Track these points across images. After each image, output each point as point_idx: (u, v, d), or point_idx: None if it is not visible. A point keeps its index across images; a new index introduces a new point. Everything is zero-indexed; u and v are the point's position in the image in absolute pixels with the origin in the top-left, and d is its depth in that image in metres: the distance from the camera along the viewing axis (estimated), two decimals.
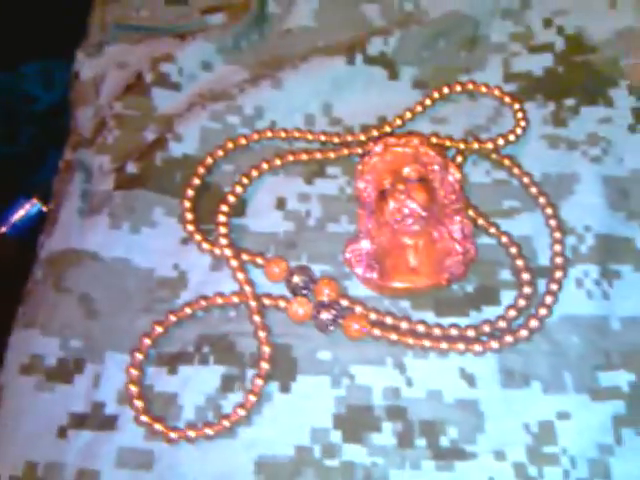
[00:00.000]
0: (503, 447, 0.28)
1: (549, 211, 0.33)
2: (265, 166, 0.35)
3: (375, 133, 0.36)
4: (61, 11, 0.74)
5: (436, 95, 0.37)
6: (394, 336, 0.30)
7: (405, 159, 0.33)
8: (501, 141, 0.35)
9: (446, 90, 0.37)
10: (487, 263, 0.32)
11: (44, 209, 0.72)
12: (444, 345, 0.30)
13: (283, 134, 0.37)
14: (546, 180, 0.34)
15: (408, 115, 0.36)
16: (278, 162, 0.35)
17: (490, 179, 0.35)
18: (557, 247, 0.32)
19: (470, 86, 0.37)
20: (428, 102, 0.37)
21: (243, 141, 0.36)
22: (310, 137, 0.36)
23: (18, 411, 0.31)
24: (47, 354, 0.31)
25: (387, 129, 0.36)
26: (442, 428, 0.29)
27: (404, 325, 0.30)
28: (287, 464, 0.28)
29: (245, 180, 0.35)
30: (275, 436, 0.29)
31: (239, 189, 0.35)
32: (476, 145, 0.35)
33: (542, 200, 0.33)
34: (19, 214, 0.72)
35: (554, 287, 0.31)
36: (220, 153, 0.36)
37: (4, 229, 0.71)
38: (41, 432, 0.30)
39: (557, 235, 0.32)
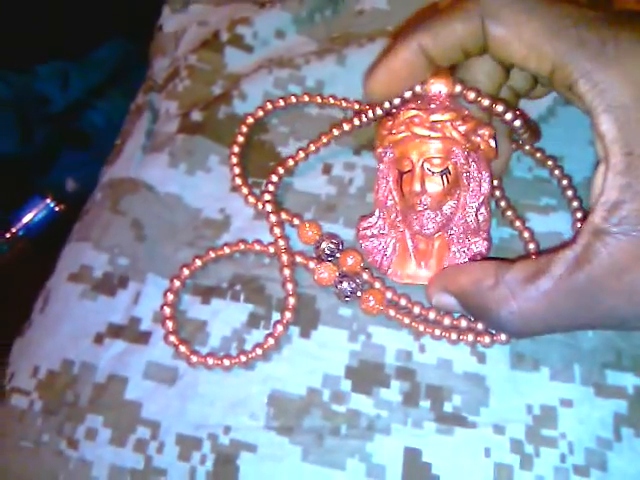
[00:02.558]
0: (503, 423, 0.29)
1: (579, 215, 0.33)
2: (325, 139, 0.36)
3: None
4: (75, 12, 0.76)
5: None
6: (407, 320, 0.31)
7: (431, 140, 0.30)
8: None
9: None
10: (512, 253, 0.33)
11: (57, 209, 0.74)
12: (454, 336, 0.30)
13: (319, 99, 0.38)
14: (587, 183, 0.35)
15: None
16: (324, 140, 0.36)
17: (531, 175, 0.36)
18: None
19: None
20: None
21: (281, 103, 0.38)
22: (345, 104, 0.38)
23: (61, 314, 0.33)
24: (96, 267, 0.34)
25: None
26: (448, 395, 0.30)
27: (416, 310, 0.31)
28: (297, 402, 0.30)
29: (302, 154, 0.36)
30: (290, 375, 0.31)
31: (302, 155, 0.36)
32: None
33: (575, 204, 0.34)
34: (33, 214, 0.74)
35: None
36: (260, 113, 0.38)
37: (18, 229, 0.74)
38: (80, 335, 0.32)
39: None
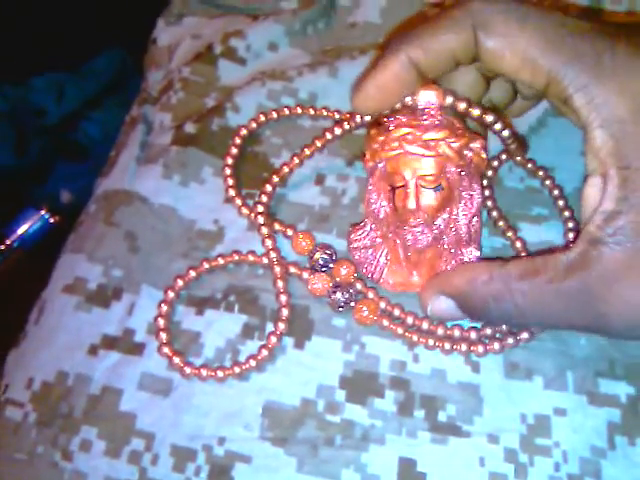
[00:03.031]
0: (497, 432, 0.29)
1: (570, 225, 0.34)
2: (319, 143, 0.36)
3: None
4: (71, 24, 0.77)
5: None
6: (400, 330, 0.31)
7: (425, 160, 0.29)
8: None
9: None
10: None
11: (52, 221, 0.74)
12: (447, 345, 0.31)
13: (312, 111, 0.39)
14: (577, 194, 0.35)
15: None
16: (318, 144, 0.36)
17: (523, 185, 0.36)
18: None
19: None
20: None
21: (274, 115, 0.38)
22: (337, 116, 0.38)
23: (56, 325, 0.33)
24: (90, 279, 0.34)
25: None
26: (442, 404, 0.30)
27: (410, 320, 0.31)
28: (292, 412, 0.30)
29: (296, 160, 0.36)
30: (284, 386, 0.31)
31: (296, 161, 0.36)
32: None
33: (566, 213, 0.34)
34: (28, 226, 0.74)
35: None
36: (254, 125, 0.38)
37: (13, 240, 0.74)
38: (74, 347, 0.32)
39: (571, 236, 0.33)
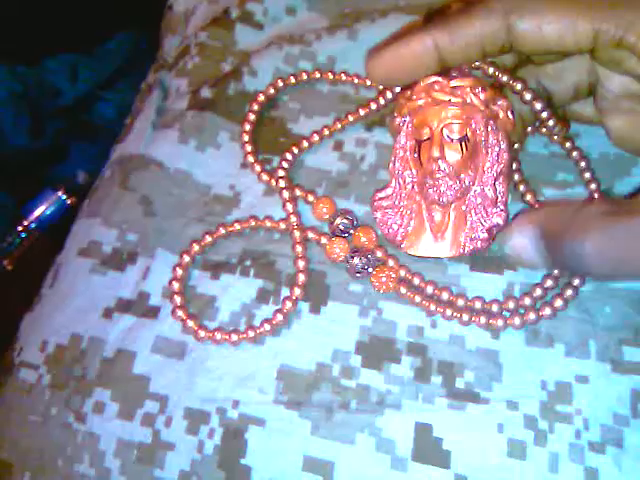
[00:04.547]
0: (517, 399, 0.28)
1: (593, 186, 0.33)
2: (339, 125, 0.36)
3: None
4: (84, 5, 0.76)
5: None
6: (418, 298, 0.31)
7: (451, 106, 0.30)
8: None
9: None
10: None
11: (69, 202, 0.74)
12: (465, 317, 0.30)
13: (331, 76, 0.38)
14: (603, 159, 0.34)
15: None
16: (339, 125, 0.36)
17: (547, 151, 0.35)
18: None
19: None
20: None
21: (292, 80, 0.38)
22: (357, 81, 0.38)
23: (71, 288, 0.33)
24: (105, 242, 0.34)
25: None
26: (460, 370, 0.29)
27: (429, 289, 0.31)
28: (307, 376, 0.30)
29: (317, 137, 0.36)
30: (299, 350, 0.30)
31: (316, 138, 0.36)
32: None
33: (592, 186, 0.33)
34: (45, 207, 0.74)
35: None
36: (272, 91, 0.37)
37: (30, 222, 0.74)
38: (89, 310, 0.32)
39: None
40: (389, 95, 0.34)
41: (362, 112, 0.35)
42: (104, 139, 0.40)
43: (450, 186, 0.30)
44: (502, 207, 0.30)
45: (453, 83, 0.29)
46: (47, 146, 0.77)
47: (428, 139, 0.30)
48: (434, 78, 0.29)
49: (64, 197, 0.75)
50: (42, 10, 0.76)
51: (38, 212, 0.74)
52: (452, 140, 0.29)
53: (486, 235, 0.30)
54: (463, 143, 0.29)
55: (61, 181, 0.76)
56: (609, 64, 0.27)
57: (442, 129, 0.29)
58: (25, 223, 0.74)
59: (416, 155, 0.31)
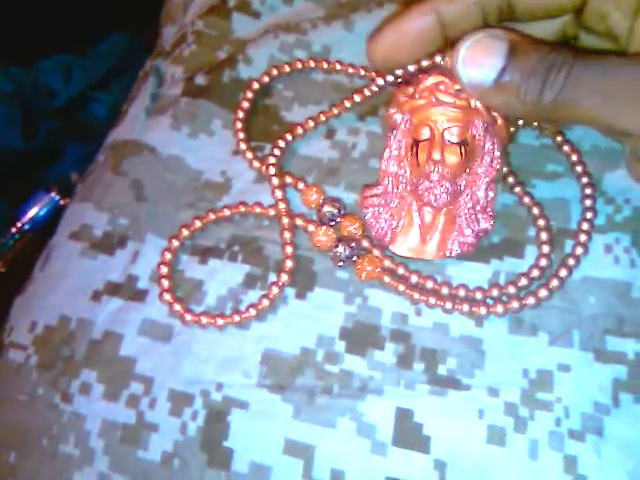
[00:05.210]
0: (498, 386, 0.28)
1: (588, 191, 0.32)
2: (335, 111, 0.36)
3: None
4: (78, 6, 0.75)
5: None
6: (401, 287, 0.31)
7: (454, 108, 0.29)
8: None
9: None
10: (519, 218, 0.33)
11: (63, 202, 0.72)
12: (449, 305, 0.30)
13: (325, 65, 0.38)
14: (595, 151, 0.34)
15: None
16: (335, 111, 0.36)
17: (538, 142, 0.35)
18: (588, 214, 0.31)
19: None
20: None
21: (287, 68, 0.38)
22: (351, 70, 0.38)
23: (61, 271, 0.34)
24: (96, 226, 0.34)
25: None
26: (442, 357, 0.29)
27: (414, 278, 0.31)
28: (291, 361, 0.30)
29: (311, 123, 0.36)
30: (284, 335, 0.31)
31: (311, 124, 0.36)
32: None
33: (584, 180, 0.33)
34: (38, 208, 0.73)
35: (579, 250, 0.31)
36: (266, 79, 0.37)
37: (24, 223, 0.74)
38: (78, 292, 0.33)
39: (588, 202, 0.32)
40: (381, 81, 0.33)
41: (357, 98, 0.35)
42: (97, 139, 0.41)
43: (446, 190, 0.30)
44: (491, 212, 0.31)
45: (458, 86, 0.28)
46: (40, 147, 0.77)
47: (427, 139, 0.30)
48: (440, 78, 0.29)
49: (57, 198, 0.74)
50: (36, 11, 0.76)
51: (31, 213, 0.74)
52: (452, 143, 0.29)
53: (474, 240, 0.31)
54: (462, 147, 0.29)
55: (54, 182, 0.75)
56: (594, 20, 0.26)
57: (443, 132, 0.29)
58: (18, 224, 0.73)
59: (411, 155, 0.31)
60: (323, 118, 0.36)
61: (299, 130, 0.36)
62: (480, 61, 0.25)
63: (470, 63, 0.26)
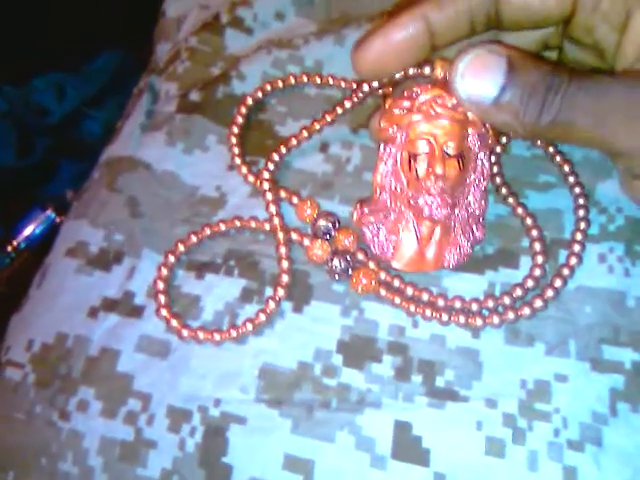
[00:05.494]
0: (496, 397, 0.28)
1: (581, 201, 0.32)
2: (329, 118, 0.36)
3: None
4: (71, 25, 0.76)
5: None
6: (397, 299, 0.31)
7: (452, 124, 0.29)
8: None
9: None
10: (513, 229, 0.33)
11: (59, 220, 0.71)
12: (445, 317, 0.30)
13: (318, 80, 0.38)
14: (586, 161, 0.35)
15: None
16: (328, 118, 0.36)
17: (530, 153, 0.36)
18: (582, 224, 0.32)
19: None
20: None
21: (280, 84, 0.38)
22: (343, 84, 0.38)
23: (57, 288, 0.34)
24: (92, 243, 0.34)
25: None
26: (440, 369, 0.29)
27: (410, 291, 0.31)
28: (289, 375, 0.30)
29: (305, 133, 0.36)
30: (281, 349, 0.31)
31: (305, 134, 0.36)
32: None
33: (577, 190, 0.33)
34: (34, 226, 0.72)
35: (573, 261, 0.31)
36: (260, 94, 0.38)
37: (20, 241, 0.73)
38: (74, 309, 0.33)
39: (581, 212, 0.32)
40: (366, 87, 0.32)
41: (348, 104, 0.34)
42: (92, 157, 0.41)
43: (446, 203, 0.30)
44: (483, 222, 0.31)
45: (455, 100, 0.28)
46: (35, 165, 0.77)
47: (424, 153, 0.29)
48: (437, 92, 0.29)
49: (53, 216, 0.74)
50: (29, 30, 0.76)
51: (27, 232, 0.73)
52: (450, 156, 0.29)
53: (470, 251, 0.31)
54: (459, 160, 0.29)
55: (50, 200, 0.75)
56: (581, 33, 0.26)
57: (441, 144, 0.29)
58: (14, 243, 0.73)
59: (408, 168, 0.30)
60: (317, 127, 0.36)
61: (293, 142, 0.36)
62: (479, 77, 0.25)
63: (469, 79, 0.26)
